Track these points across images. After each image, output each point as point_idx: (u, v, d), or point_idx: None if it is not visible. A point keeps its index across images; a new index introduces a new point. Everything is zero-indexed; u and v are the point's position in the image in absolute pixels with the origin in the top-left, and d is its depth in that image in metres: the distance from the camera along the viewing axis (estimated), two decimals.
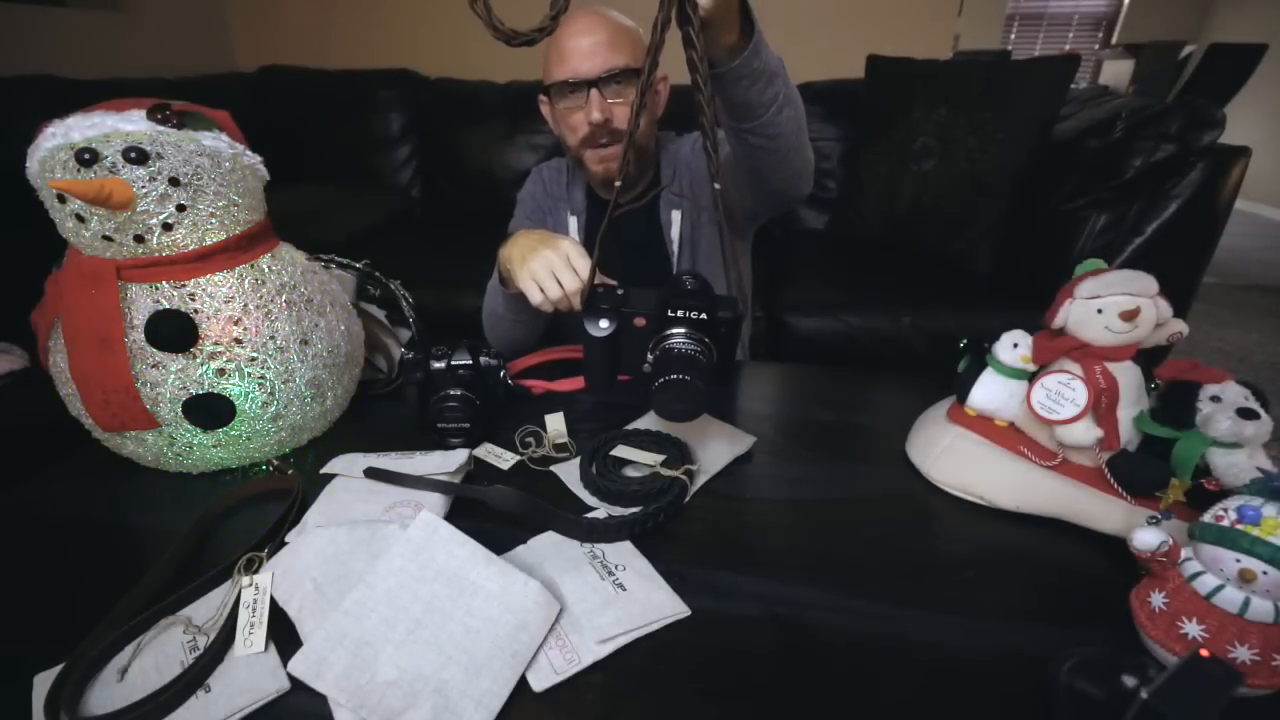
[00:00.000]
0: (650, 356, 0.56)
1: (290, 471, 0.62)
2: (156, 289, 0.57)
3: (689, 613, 0.47)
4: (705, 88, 0.48)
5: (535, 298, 0.67)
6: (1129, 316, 0.52)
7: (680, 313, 0.54)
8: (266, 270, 0.62)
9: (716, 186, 0.51)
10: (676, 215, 0.98)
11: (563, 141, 0.94)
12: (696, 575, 0.51)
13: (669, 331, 0.55)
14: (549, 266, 0.67)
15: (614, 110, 0.87)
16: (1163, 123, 1.41)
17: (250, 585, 0.46)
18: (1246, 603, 0.39)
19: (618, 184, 0.56)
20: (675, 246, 0.98)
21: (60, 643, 0.43)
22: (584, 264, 0.64)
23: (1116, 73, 4.35)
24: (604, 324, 0.56)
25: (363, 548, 0.49)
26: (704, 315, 0.53)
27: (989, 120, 1.56)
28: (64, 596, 0.51)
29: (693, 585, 0.50)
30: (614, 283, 0.60)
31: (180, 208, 0.55)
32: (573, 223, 0.99)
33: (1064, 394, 0.55)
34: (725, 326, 0.53)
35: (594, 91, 0.85)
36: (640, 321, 0.56)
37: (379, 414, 0.75)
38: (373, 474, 0.59)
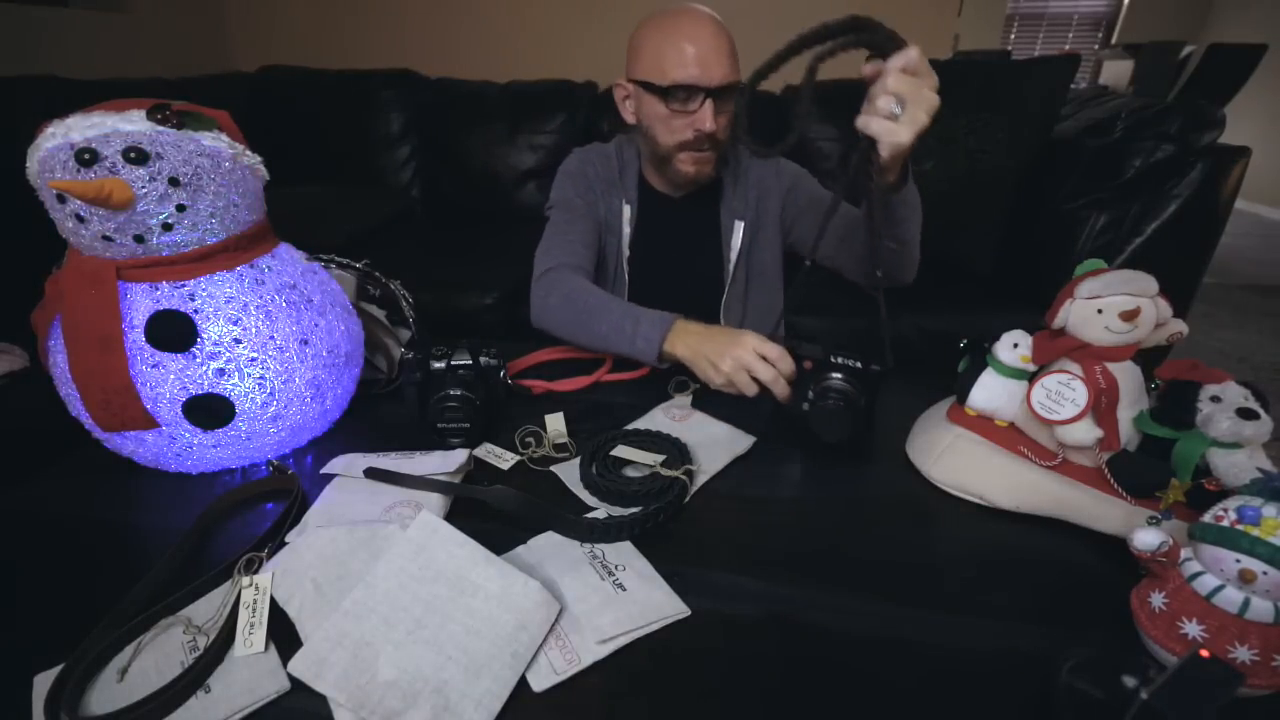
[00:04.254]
0: (810, 394, 0.65)
1: (290, 471, 0.62)
2: (156, 289, 0.57)
3: (689, 613, 0.47)
4: (877, 213, 0.65)
5: (749, 391, 0.69)
6: (1129, 317, 0.52)
7: (840, 359, 0.65)
8: (266, 270, 0.62)
9: (878, 274, 0.67)
10: (739, 226, 0.98)
11: (650, 137, 0.92)
12: (696, 575, 0.51)
13: (829, 375, 0.65)
14: (742, 365, 0.68)
15: (719, 120, 0.87)
16: (1163, 123, 1.41)
17: (250, 585, 0.46)
18: (1246, 603, 0.39)
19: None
20: (733, 254, 0.99)
21: (60, 643, 0.43)
22: (772, 352, 0.68)
23: (1116, 73, 4.35)
24: (805, 406, 0.66)
25: (363, 548, 0.49)
26: (859, 364, 0.64)
27: (989, 120, 1.56)
28: (64, 596, 0.51)
29: (693, 585, 0.50)
30: (808, 365, 0.67)
31: (180, 208, 0.55)
32: (626, 211, 0.98)
33: (1064, 394, 0.55)
34: (876, 379, 0.64)
35: (710, 101, 0.84)
36: (808, 365, 0.66)
37: (379, 414, 0.75)
38: (373, 474, 0.59)
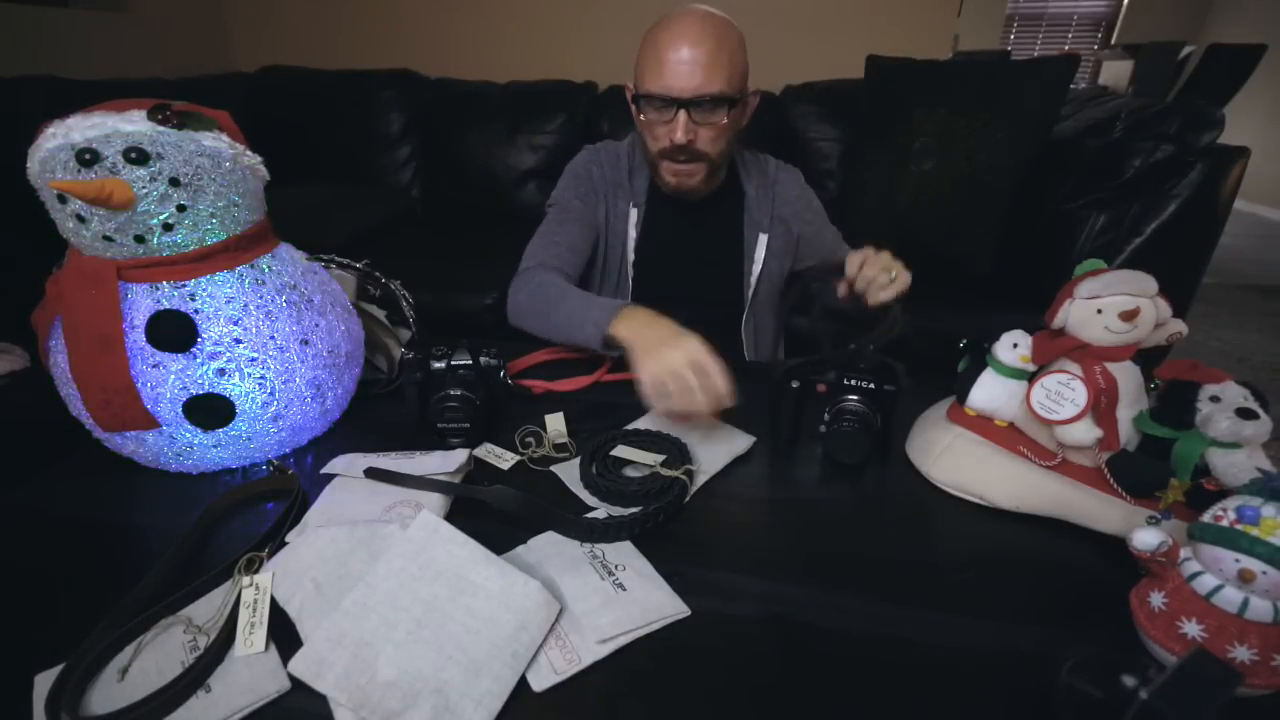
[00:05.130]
0: (826, 416, 0.65)
1: (290, 471, 0.62)
2: (156, 289, 0.57)
3: (689, 613, 0.47)
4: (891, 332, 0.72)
5: (659, 408, 0.63)
6: (1129, 317, 0.52)
7: (853, 381, 0.65)
8: (266, 270, 0.62)
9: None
10: (763, 240, 0.97)
11: (640, 142, 0.92)
12: (696, 575, 0.51)
13: (844, 397, 0.65)
14: (669, 369, 0.62)
15: (699, 132, 0.84)
16: (1162, 123, 1.41)
17: (250, 585, 0.46)
18: (1246, 603, 0.39)
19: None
20: (756, 268, 0.98)
21: (60, 643, 0.43)
22: (710, 366, 0.62)
23: (1116, 73, 4.35)
24: (822, 429, 0.65)
25: (363, 548, 0.49)
26: (872, 384, 0.64)
27: (989, 120, 1.56)
28: (64, 596, 0.51)
29: (693, 585, 0.50)
30: (822, 388, 0.66)
31: (180, 208, 0.55)
32: (633, 214, 0.97)
33: (1064, 394, 0.55)
34: (890, 398, 0.63)
35: (682, 113, 0.82)
36: (821, 388, 0.66)
37: (379, 414, 0.75)
38: (373, 474, 0.59)
